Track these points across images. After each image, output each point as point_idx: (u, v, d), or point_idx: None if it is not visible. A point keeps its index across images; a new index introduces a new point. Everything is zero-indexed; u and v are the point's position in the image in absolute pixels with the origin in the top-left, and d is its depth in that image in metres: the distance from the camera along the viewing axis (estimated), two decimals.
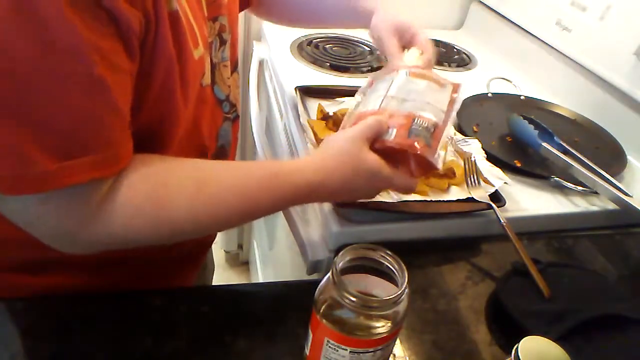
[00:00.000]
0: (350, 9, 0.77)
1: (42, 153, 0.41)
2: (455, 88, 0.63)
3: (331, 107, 0.86)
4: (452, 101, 0.61)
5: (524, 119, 0.87)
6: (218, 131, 0.63)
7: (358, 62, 1.14)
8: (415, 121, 0.56)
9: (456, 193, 0.72)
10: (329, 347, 0.43)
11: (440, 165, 0.56)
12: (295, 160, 0.55)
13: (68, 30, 0.38)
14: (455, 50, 1.32)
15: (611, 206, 0.76)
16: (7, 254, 0.58)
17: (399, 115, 0.58)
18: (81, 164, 0.42)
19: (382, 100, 0.60)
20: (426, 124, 0.57)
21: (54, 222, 0.45)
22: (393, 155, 0.56)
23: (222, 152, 0.66)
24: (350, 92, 0.87)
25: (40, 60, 0.38)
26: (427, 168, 0.57)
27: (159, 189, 0.48)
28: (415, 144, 0.55)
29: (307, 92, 0.93)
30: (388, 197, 0.68)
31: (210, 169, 0.52)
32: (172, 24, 0.46)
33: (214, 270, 0.97)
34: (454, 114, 0.60)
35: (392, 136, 0.56)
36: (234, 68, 0.68)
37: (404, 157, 0.56)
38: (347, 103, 0.87)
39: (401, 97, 0.60)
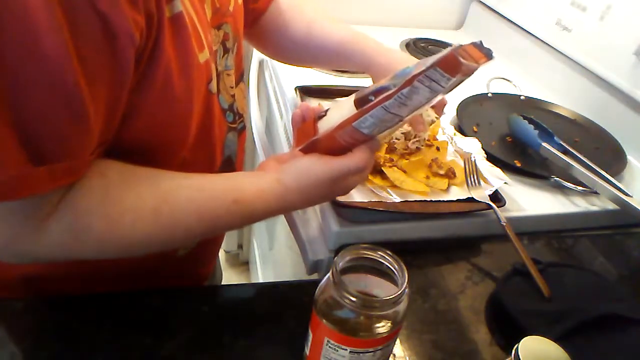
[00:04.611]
0: (349, 51, 0.74)
1: (12, 156, 0.38)
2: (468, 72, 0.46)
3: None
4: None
5: (524, 119, 0.87)
6: (224, 141, 0.63)
7: None
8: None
9: (456, 193, 0.72)
10: (329, 347, 0.43)
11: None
12: (258, 181, 0.53)
13: (54, 33, 0.36)
14: None
15: (611, 206, 0.76)
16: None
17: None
18: (40, 173, 0.39)
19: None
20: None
21: None
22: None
23: (229, 164, 0.65)
24: (350, 92, 0.86)
25: (24, 57, 0.36)
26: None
27: (113, 208, 0.45)
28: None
29: (307, 92, 0.93)
30: (388, 197, 0.68)
31: (170, 188, 0.49)
32: (175, 26, 0.45)
33: (222, 278, 0.97)
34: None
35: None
36: (240, 78, 0.67)
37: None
38: None
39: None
